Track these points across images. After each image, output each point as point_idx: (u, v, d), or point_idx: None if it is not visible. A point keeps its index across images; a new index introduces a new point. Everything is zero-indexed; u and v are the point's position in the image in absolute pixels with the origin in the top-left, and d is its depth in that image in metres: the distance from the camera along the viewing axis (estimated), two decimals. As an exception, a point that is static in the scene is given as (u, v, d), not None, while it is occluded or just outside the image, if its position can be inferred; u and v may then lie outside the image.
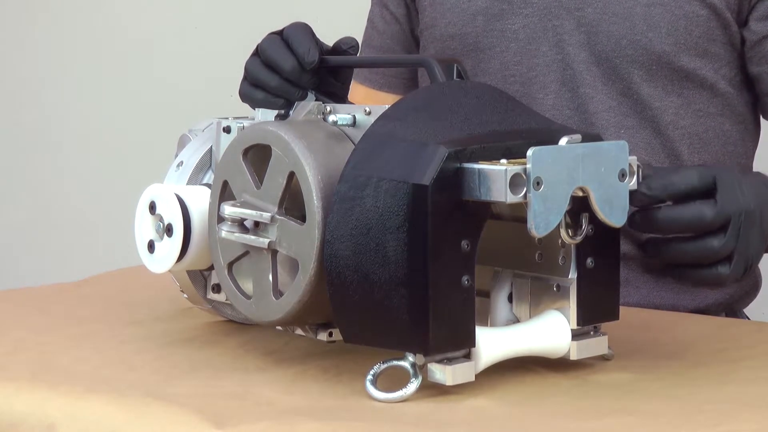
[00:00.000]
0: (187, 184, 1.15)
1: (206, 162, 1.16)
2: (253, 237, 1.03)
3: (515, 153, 0.95)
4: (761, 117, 1.46)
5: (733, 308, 1.44)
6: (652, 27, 1.35)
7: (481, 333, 0.97)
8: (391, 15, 1.53)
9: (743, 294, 1.44)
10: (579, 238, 0.99)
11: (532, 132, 0.99)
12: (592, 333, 1.04)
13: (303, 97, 1.15)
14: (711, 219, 1.09)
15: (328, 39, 1.19)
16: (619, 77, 1.37)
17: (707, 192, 1.10)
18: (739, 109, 1.41)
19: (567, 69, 1.39)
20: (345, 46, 1.17)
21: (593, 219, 0.99)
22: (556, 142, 0.96)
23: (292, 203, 1.02)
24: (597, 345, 1.04)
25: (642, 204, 1.08)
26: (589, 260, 1.01)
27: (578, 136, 0.95)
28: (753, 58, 1.38)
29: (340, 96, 1.19)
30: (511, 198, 0.92)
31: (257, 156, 1.05)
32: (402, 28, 1.53)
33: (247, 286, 1.06)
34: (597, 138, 1.00)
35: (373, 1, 1.57)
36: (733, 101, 1.40)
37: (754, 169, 1.49)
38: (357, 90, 1.52)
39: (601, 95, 1.38)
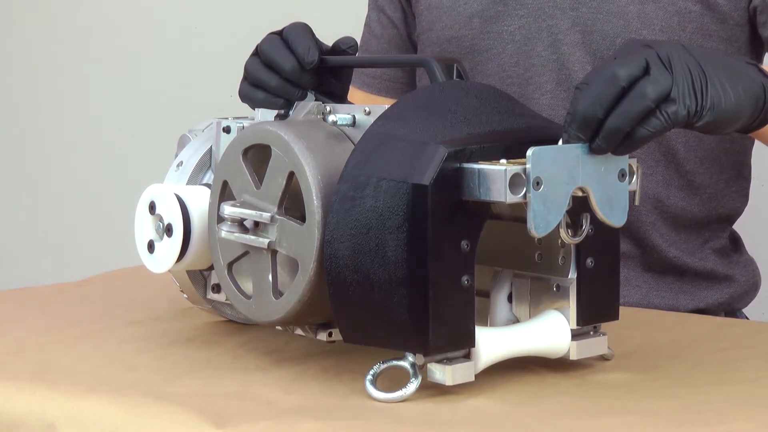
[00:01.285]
0: (187, 184, 1.15)
1: (206, 162, 1.16)
2: (252, 237, 1.03)
3: (515, 153, 0.95)
4: None
5: (732, 308, 1.44)
6: (646, 24, 1.35)
7: (481, 333, 0.97)
8: (388, 19, 1.53)
9: (742, 294, 1.44)
10: (579, 238, 0.99)
11: (531, 132, 0.99)
12: (591, 333, 1.04)
13: (303, 97, 1.15)
14: (627, 73, 0.95)
15: (328, 39, 1.19)
16: None
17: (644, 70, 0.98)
18: None
19: (563, 69, 1.39)
20: (344, 46, 1.17)
21: (593, 219, 0.99)
22: (556, 142, 0.96)
23: (292, 203, 1.02)
24: (597, 345, 1.04)
25: (588, 136, 0.97)
26: (589, 260, 1.01)
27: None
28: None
29: (339, 96, 1.19)
30: (511, 198, 0.92)
31: (257, 156, 1.05)
32: (399, 33, 1.53)
33: (247, 286, 1.06)
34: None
35: (370, 6, 1.57)
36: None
37: (753, 170, 1.49)
38: (355, 94, 1.52)
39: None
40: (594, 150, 0.95)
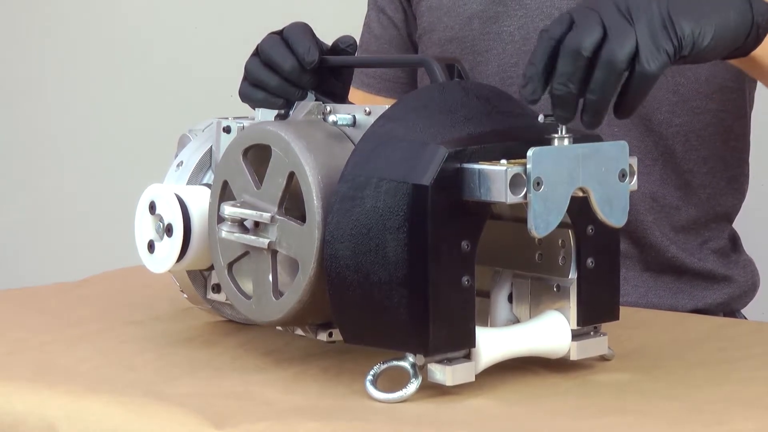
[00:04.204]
0: (187, 184, 1.15)
1: (206, 162, 1.16)
2: (253, 237, 1.03)
3: (515, 153, 0.95)
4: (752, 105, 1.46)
5: (731, 309, 1.44)
6: None
7: (481, 333, 0.97)
8: (388, 19, 1.53)
9: (741, 294, 1.44)
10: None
11: (532, 132, 0.99)
12: (592, 333, 1.04)
13: (303, 97, 1.15)
14: (591, 39, 0.93)
15: (328, 39, 1.19)
16: None
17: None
18: (740, 102, 1.41)
19: None
20: (343, 45, 1.17)
21: (593, 219, 0.99)
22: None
23: (292, 203, 1.02)
24: (597, 345, 1.04)
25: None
26: (589, 260, 1.01)
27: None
28: None
29: (340, 96, 1.19)
30: (511, 198, 0.92)
31: (257, 156, 1.05)
32: (399, 33, 1.53)
33: (247, 286, 1.06)
34: (597, 139, 1.00)
35: (370, 6, 1.57)
36: (733, 94, 1.39)
37: (753, 170, 1.49)
38: (355, 95, 1.52)
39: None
40: (587, 126, 0.94)
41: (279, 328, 1.09)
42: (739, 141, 1.43)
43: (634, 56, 0.93)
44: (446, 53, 1.44)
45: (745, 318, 1.48)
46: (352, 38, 1.18)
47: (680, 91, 1.38)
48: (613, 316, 1.04)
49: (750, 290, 1.46)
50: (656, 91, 1.37)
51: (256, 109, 1.15)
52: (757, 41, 1.00)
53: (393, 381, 0.96)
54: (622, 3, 0.94)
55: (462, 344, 0.96)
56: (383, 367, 0.97)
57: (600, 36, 0.93)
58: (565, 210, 0.95)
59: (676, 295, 1.41)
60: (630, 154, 0.98)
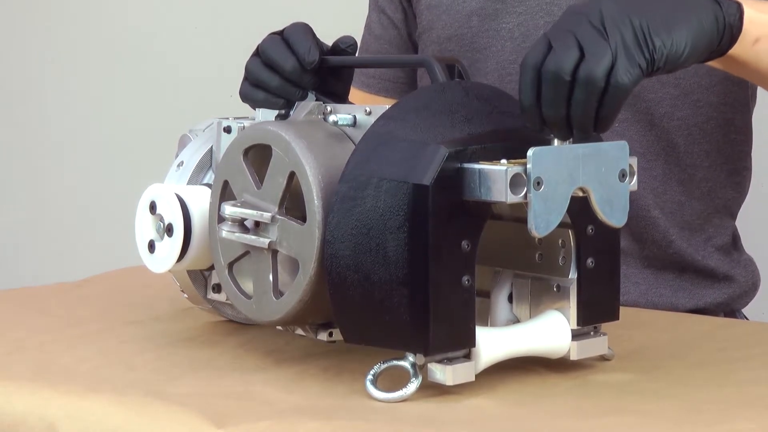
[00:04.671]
0: (188, 184, 1.15)
1: (207, 162, 1.16)
2: (253, 237, 1.03)
3: (516, 153, 0.95)
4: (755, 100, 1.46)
5: (731, 308, 1.44)
6: None
7: (482, 333, 0.97)
8: (388, 20, 1.53)
9: (742, 294, 1.44)
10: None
11: (532, 132, 0.99)
12: (592, 333, 1.04)
13: (303, 97, 1.15)
14: (570, 59, 0.94)
15: (328, 39, 1.19)
16: None
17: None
18: (741, 94, 1.41)
19: None
20: (343, 45, 1.17)
21: (593, 219, 0.99)
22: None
23: (293, 203, 1.02)
24: (597, 345, 1.04)
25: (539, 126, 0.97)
26: (589, 260, 1.01)
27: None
28: None
29: (340, 96, 1.19)
30: (512, 198, 0.92)
31: (258, 156, 1.05)
32: (400, 33, 1.53)
33: (248, 286, 1.06)
34: (597, 139, 1.00)
35: (371, 7, 1.57)
36: (735, 87, 1.39)
37: (753, 170, 1.49)
38: (355, 95, 1.52)
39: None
40: (578, 140, 0.96)
41: (279, 327, 1.09)
42: (740, 134, 1.43)
43: (610, 71, 0.94)
44: (445, 51, 1.44)
45: (746, 318, 1.48)
46: (353, 38, 1.18)
47: (681, 85, 1.37)
48: (613, 316, 1.04)
49: (750, 290, 1.46)
50: (658, 85, 1.37)
51: (257, 109, 1.16)
52: (732, 41, 1.02)
53: (393, 380, 0.96)
54: (596, 19, 0.96)
55: (462, 344, 0.96)
56: (383, 366, 0.97)
57: (577, 56, 0.95)
58: (566, 210, 0.95)
59: (676, 293, 1.41)
60: (632, 150, 0.99)
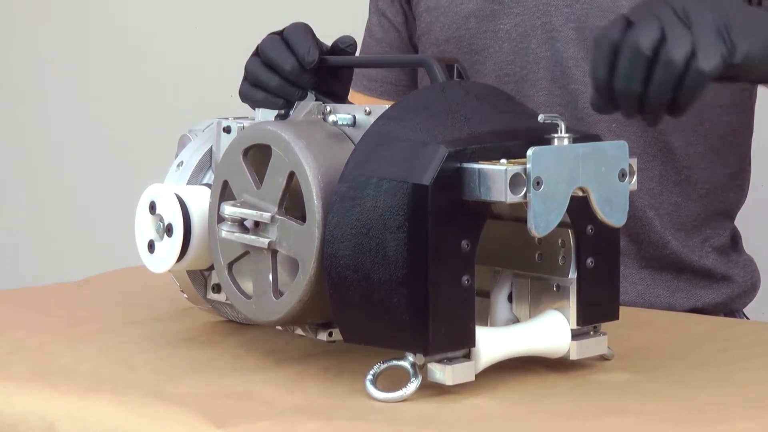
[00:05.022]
0: (187, 184, 1.15)
1: (206, 162, 1.16)
2: (253, 237, 1.03)
3: (515, 153, 0.95)
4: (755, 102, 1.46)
5: (730, 308, 1.44)
6: None
7: (481, 333, 0.97)
8: (389, 23, 1.53)
9: (740, 294, 1.44)
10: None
11: (532, 132, 0.99)
12: (591, 333, 1.04)
13: (303, 97, 1.15)
14: (649, 39, 0.96)
15: (328, 39, 1.19)
16: None
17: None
18: (736, 97, 1.41)
19: (557, 65, 1.39)
20: (343, 45, 1.17)
21: (593, 219, 0.99)
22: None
23: (292, 203, 1.02)
24: (597, 345, 1.04)
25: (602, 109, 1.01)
26: (589, 260, 1.01)
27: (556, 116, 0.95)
28: None
29: (339, 96, 1.19)
30: (511, 198, 0.92)
31: (257, 156, 1.05)
32: (400, 36, 1.53)
33: (247, 286, 1.06)
34: (597, 138, 1.00)
35: (371, 10, 1.57)
36: (730, 89, 1.39)
37: (753, 170, 1.49)
38: (356, 98, 1.52)
39: (591, 90, 1.38)
40: (648, 124, 0.98)
41: (279, 327, 1.09)
42: (737, 136, 1.43)
43: (690, 57, 0.96)
44: (444, 53, 1.44)
45: (747, 317, 1.48)
46: (352, 38, 1.18)
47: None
48: (613, 315, 1.04)
49: (749, 291, 1.46)
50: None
51: (256, 109, 1.16)
52: None
53: (393, 380, 0.96)
54: (679, 7, 0.97)
55: (462, 344, 0.96)
56: (383, 366, 0.97)
57: (658, 37, 0.96)
58: (565, 210, 0.95)
59: (673, 294, 1.41)
60: (629, 152, 0.99)
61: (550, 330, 1.01)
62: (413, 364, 0.95)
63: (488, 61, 1.42)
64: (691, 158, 1.40)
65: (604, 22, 1.35)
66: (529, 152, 0.92)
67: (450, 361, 0.96)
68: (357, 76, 1.46)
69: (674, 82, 0.97)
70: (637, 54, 0.96)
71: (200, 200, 1.10)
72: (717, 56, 0.97)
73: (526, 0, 1.40)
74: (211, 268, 1.11)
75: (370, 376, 0.97)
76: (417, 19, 1.50)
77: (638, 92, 0.97)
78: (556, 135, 0.95)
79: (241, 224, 1.04)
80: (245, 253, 1.05)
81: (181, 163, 1.16)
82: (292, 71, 1.14)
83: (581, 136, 0.98)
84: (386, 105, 1.02)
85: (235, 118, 1.14)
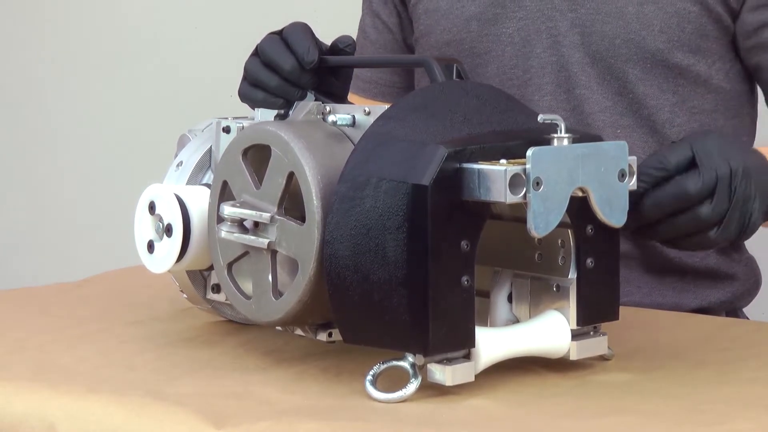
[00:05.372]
0: (187, 184, 1.15)
1: (206, 162, 1.16)
2: (252, 237, 1.03)
3: (515, 153, 0.95)
4: (757, 111, 1.46)
5: (734, 306, 1.44)
6: (645, 25, 1.35)
7: (481, 333, 0.97)
8: (383, 24, 1.53)
9: (744, 292, 1.45)
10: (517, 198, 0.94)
11: (531, 132, 0.99)
12: (591, 333, 1.04)
13: (302, 97, 1.15)
14: (697, 191, 1.05)
15: (328, 39, 1.19)
16: (614, 77, 1.37)
17: (690, 164, 1.07)
18: (732, 103, 1.41)
19: (562, 70, 1.39)
20: (342, 45, 1.17)
21: (593, 219, 0.99)
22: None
23: (292, 203, 1.02)
24: (597, 345, 1.04)
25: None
26: (588, 260, 1.01)
27: (557, 117, 0.96)
28: (751, 49, 1.38)
29: (339, 96, 1.19)
30: (511, 198, 0.92)
31: (257, 156, 1.05)
32: (394, 38, 1.53)
33: (247, 287, 1.06)
34: (597, 138, 1.00)
35: (364, 11, 1.56)
36: (726, 96, 1.40)
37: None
38: (351, 99, 1.52)
39: (596, 95, 1.38)
40: (638, 238, 1.09)
41: (279, 328, 1.09)
42: (739, 139, 1.43)
43: (715, 226, 1.07)
44: (445, 56, 1.43)
45: (747, 318, 1.48)
46: (351, 38, 1.18)
47: (680, 92, 1.38)
48: (613, 315, 1.04)
49: (753, 288, 1.46)
50: (658, 92, 1.37)
51: (256, 109, 1.15)
52: None
53: (393, 381, 0.96)
54: (738, 169, 1.07)
55: (462, 344, 0.96)
56: (383, 367, 0.97)
57: (705, 195, 1.06)
58: (565, 210, 0.95)
59: (680, 295, 1.41)
60: (632, 155, 0.99)
61: (550, 330, 1.01)
62: (413, 365, 0.95)
63: (490, 65, 1.42)
64: None
65: (610, 27, 1.36)
66: (529, 152, 0.92)
67: (450, 361, 0.96)
68: (352, 77, 1.46)
69: (687, 234, 1.07)
70: (679, 197, 1.05)
71: (200, 200, 1.10)
72: (731, 235, 1.08)
73: (528, 4, 1.40)
74: (211, 268, 1.11)
75: (369, 377, 0.97)
76: (415, 21, 1.49)
77: (656, 218, 1.06)
78: (555, 135, 0.95)
79: (240, 224, 1.04)
80: (245, 254, 1.05)
81: (181, 163, 1.16)
82: (292, 71, 1.14)
83: (581, 136, 0.98)
84: (385, 105, 1.02)
85: (234, 118, 1.14)
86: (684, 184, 1.05)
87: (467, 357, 0.97)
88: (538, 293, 1.03)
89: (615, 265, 1.03)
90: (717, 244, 1.10)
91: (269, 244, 1.02)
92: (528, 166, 0.92)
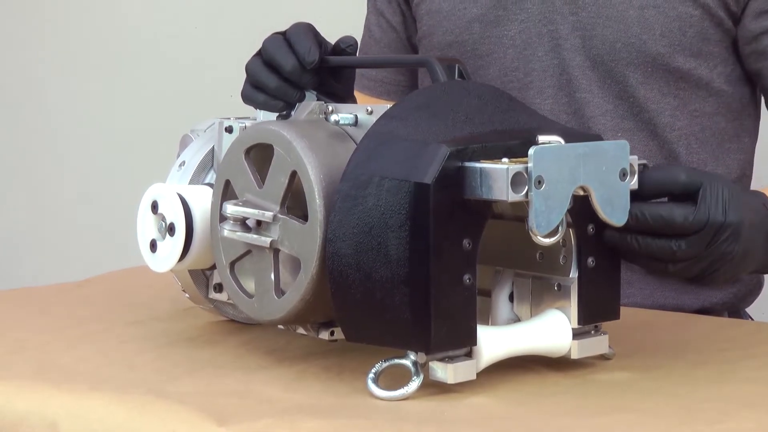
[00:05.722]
0: (190, 183, 1.15)
1: (208, 162, 1.16)
2: (255, 236, 1.03)
3: (517, 152, 0.95)
4: (760, 111, 1.47)
5: (736, 307, 1.44)
6: (646, 29, 1.36)
7: (483, 332, 0.97)
8: (387, 23, 1.53)
9: (747, 293, 1.45)
10: (551, 240, 0.96)
11: (533, 131, 0.99)
12: (592, 332, 1.04)
13: (302, 99, 1.15)
14: (681, 224, 1.02)
15: (330, 39, 1.19)
16: (615, 80, 1.38)
17: (690, 195, 1.04)
18: (733, 105, 1.41)
19: (563, 74, 1.39)
20: (343, 45, 1.17)
21: (594, 218, 0.99)
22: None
23: (294, 202, 1.02)
24: (598, 344, 1.04)
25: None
26: (590, 260, 1.01)
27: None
28: (751, 56, 1.38)
29: (341, 96, 1.19)
30: (513, 197, 0.92)
31: (259, 155, 1.05)
32: (399, 36, 1.53)
33: (249, 285, 1.06)
34: (598, 138, 1.00)
35: (369, 9, 1.57)
36: (728, 99, 1.40)
37: (754, 170, 1.49)
38: (357, 98, 1.52)
39: (597, 99, 1.38)
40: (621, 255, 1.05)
41: (281, 327, 1.09)
42: (733, 142, 1.43)
43: (701, 270, 1.06)
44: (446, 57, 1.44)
45: (751, 317, 1.48)
46: (353, 39, 1.18)
47: (681, 95, 1.38)
48: (614, 315, 1.04)
49: (755, 288, 1.46)
50: (659, 95, 1.38)
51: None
52: None
53: (395, 379, 0.96)
54: (733, 231, 1.05)
55: (463, 342, 0.96)
56: (385, 365, 0.97)
57: (697, 227, 1.04)
58: (566, 209, 0.95)
59: (681, 295, 1.41)
60: (632, 153, 0.99)
61: (551, 329, 1.01)
62: (415, 363, 0.96)
63: (492, 67, 1.42)
64: (694, 165, 1.40)
65: (611, 31, 1.36)
66: (531, 151, 0.92)
67: (451, 359, 0.96)
68: (357, 75, 1.46)
69: (649, 254, 1.04)
70: (663, 220, 1.02)
71: (202, 200, 1.11)
72: (688, 278, 1.07)
73: (530, 7, 1.40)
74: (213, 267, 1.11)
75: (371, 375, 0.97)
76: (417, 22, 1.50)
77: (632, 225, 1.02)
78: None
79: (243, 223, 1.04)
80: (247, 253, 1.05)
81: (183, 162, 1.16)
82: (293, 71, 1.14)
83: (582, 135, 0.98)
84: (387, 105, 1.02)
85: (236, 118, 1.15)
86: (674, 211, 1.02)
87: (469, 355, 0.97)
88: (540, 292, 1.03)
89: (616, 264, 1.03)
90: (671, 277, 1.09)
91: (272, 242, 1.02)
92: (530, 164, 0.92)
